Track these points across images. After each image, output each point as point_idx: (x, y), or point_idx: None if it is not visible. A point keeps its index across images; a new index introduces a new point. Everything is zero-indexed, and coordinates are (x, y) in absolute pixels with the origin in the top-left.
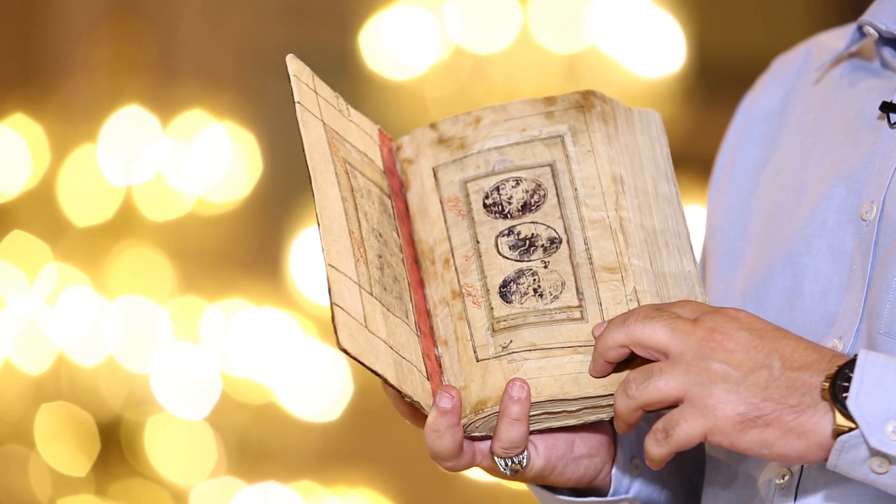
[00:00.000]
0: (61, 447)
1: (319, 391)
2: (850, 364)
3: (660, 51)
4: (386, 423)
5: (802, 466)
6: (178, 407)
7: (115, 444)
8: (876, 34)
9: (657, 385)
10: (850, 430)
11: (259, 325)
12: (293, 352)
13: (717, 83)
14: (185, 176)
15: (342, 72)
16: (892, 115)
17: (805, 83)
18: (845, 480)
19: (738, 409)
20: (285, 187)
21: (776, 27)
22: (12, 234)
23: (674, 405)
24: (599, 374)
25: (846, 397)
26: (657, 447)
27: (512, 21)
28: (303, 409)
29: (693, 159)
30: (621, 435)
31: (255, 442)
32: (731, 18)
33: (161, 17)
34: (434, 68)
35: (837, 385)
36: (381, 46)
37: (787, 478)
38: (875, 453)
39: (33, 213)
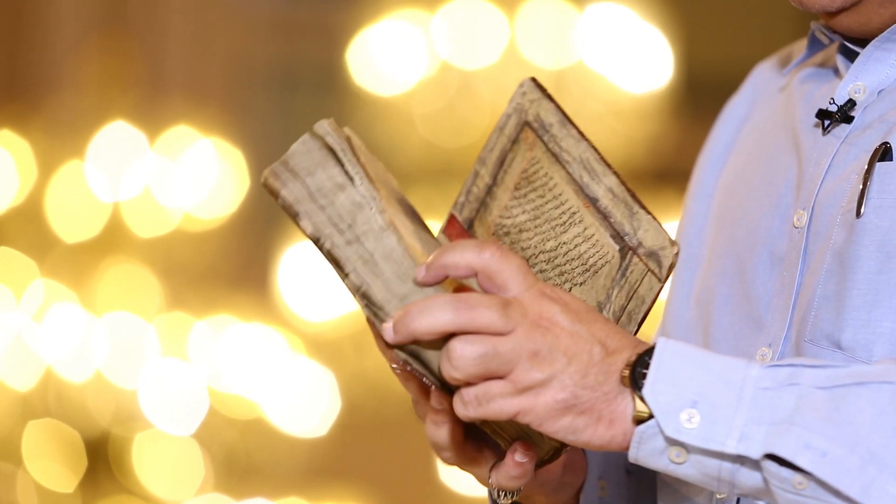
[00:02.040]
0: (48, 463)
1: (307, 407)
2: (651, 351)
3: (647, 66)
4: (373, 439)
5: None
6: (165, 423)
7: (102, 461)
8: (827, 40)
9: (484, 362)
10: (649, 418)
11: (247, 341)
12: (281, 368)
13: (704, 98)
14: (173, 192)
15: (329, 87)
16: (825, 122)
17: (773, 89)
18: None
19: (559, 396)
20: (273, 203)
21: (764, 42)
22: None
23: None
24: (397, 345)
25: (643, 384)
26: (463, 409)
27: (499, 36)
28: (290, 425)
29: (681, 174)
30: (590, 456)
31: (243, 458)
32: (719, 33)
33: (148, 33)
34: (421, 84)
35: (637, 372)
36: (369, 62)
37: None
38: (672, 443)
39: (20, 230)
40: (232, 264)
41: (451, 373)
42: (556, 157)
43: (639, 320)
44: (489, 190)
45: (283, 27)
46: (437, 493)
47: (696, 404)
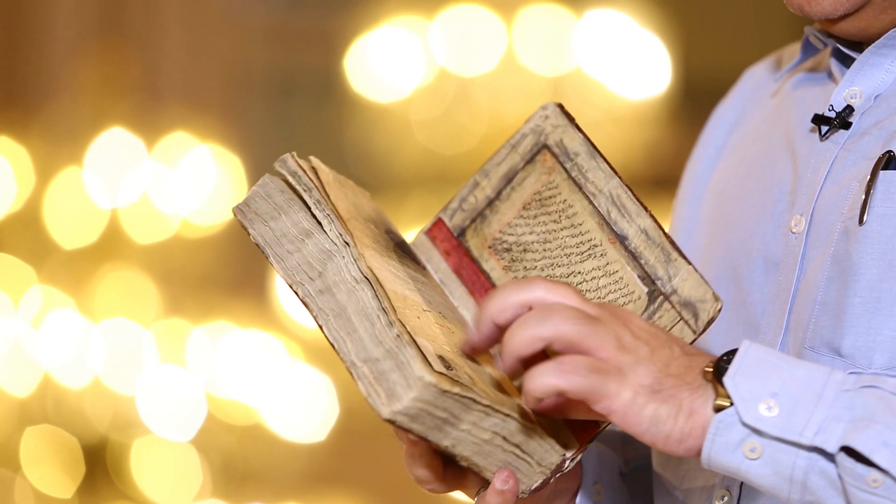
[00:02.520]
0: (47, 470)
1: (305, 413)
2: (734, 352)
3: (645, 72)
4: (372, 445)
5: (741, 488)
6: (163, 429)
7: (100, 467)
8: (822, 45)
9: (581, 333)
10: (728, 407)
11: (245, 347)
12: (279, 374)
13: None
14: (171, 198)
15: (327, 94)
16: (822, 128)
17: (764, 94)
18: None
19: (644, 381)
20: None
21: (761, 49)
22: None
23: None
24: (510, 373)
25: (726, 374)
26: (558, 377)
27: (497, 43)
28: (288, 431)
29: (678, 180)
30: (585, 461)
31: (241, 464)
32: (717, 40)
33: (146, 39)
34: (419, 90)
35: (721, 366)
36: (366, 68)
37: (726, 499)
38: (748, 433)
39: (18, 236)
40: (230, 271)
41: (548, 340)
42: (580, 187)
43: None
44: (490, 203)
45: (280, 34)
46: (436, 499)
47: (777, 396)
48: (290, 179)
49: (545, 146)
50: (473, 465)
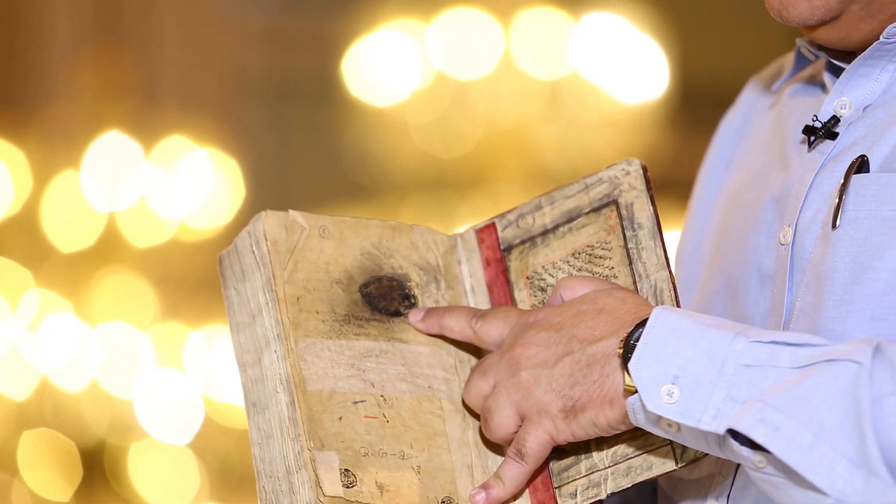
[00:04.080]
0: (44, 473)
1: None
2: (646, 322)
3: (642, 76)
4: None
5: (730, 489)
6: (161, 432)
7: (98, 470)
8: (813, 56)
9: (497, 423)
10: (635, 392)
11: None
12: None
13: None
14: (168, 202)
15: (324, 98)
16: (811, 138)
17: (763, 106)
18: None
19: (558, 405)
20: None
21: (759, 52)
22: None
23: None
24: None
25: (631, 359)
26: (516, 468)
27: (494, 47)
28: None
29: (675, 184)
30: None
31: (238, 467)
32: (714, 44)
33: (143, 43)
34: (416, 94)
35: (629, 346)
36: (363, 72)
37: (719, 499)
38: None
39: (15, 240)
40: None
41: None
42: (630, 262)
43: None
44: (545, 232)
45: (277, 37)
46: None
47: (678, 380)
48: (254, 248)
49: (615, 202)
50: None
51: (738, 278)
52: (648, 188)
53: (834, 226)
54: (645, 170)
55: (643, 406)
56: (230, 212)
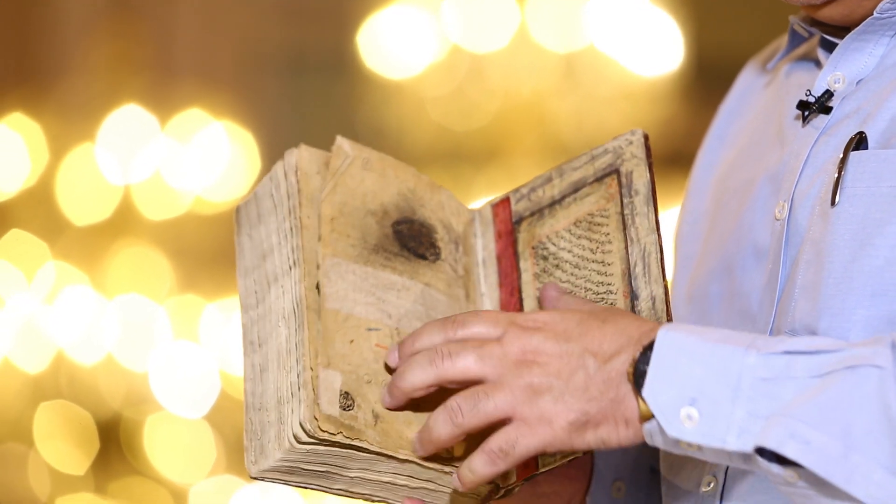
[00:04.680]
0: (60, 445)
1: None
2: (654, 344)
3: (658, 49)
4: None
5: (726, 474)
6: (177, 405)
7: (114, 443)
8: (806, 33)
9: (486, 409)
10: (652, 417)
11: None
12: None
13: (714, 82)
14: (184, 175)
15: (340, 71)
16: (805, 113)
17: (759, 85)
18: (768, 485)
19: (569, 418)
20: None
21: (774, 26)
22: (11, 233)
23: (500, 424)
24: (396, 408)
25: (644, 384)
26: (492, 466)
27: (509, 20)
28: None
29: (691, 157)
30: (605, 458)
31: None
32: (729, 17)
33: (159, 16)
34: (431, 67)
35: (639, 370)
36: (379, 46)
37: (712, 485)
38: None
39: (32, 212)
40: None
41: (454, 431)
42: (625, 227)
43: None
44: (552, 204)
45: (293, 10)
46: None
47: (695, 402)
48: (273, 191)
49: (617, 171)
50: (380, 499)
51: (734, 255)
52: (648, 157)
53: (833, 203)
54: (646, 139)
55: (662, 432)
56: (246, 185)
